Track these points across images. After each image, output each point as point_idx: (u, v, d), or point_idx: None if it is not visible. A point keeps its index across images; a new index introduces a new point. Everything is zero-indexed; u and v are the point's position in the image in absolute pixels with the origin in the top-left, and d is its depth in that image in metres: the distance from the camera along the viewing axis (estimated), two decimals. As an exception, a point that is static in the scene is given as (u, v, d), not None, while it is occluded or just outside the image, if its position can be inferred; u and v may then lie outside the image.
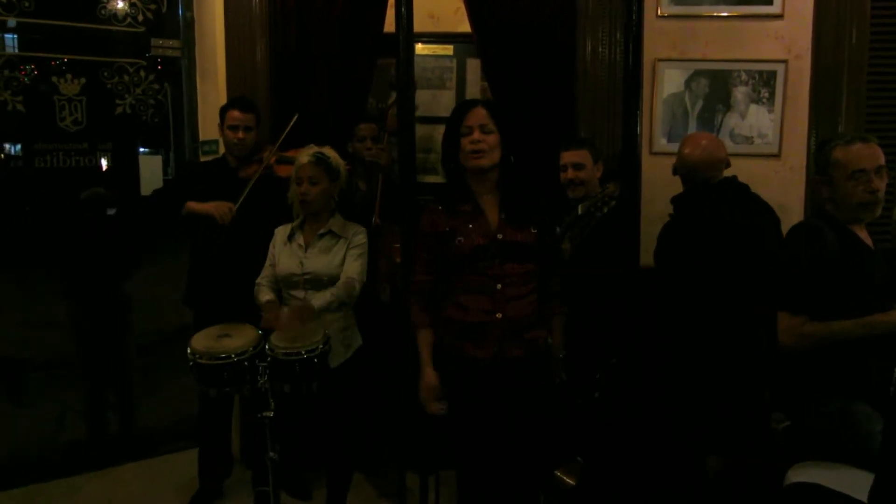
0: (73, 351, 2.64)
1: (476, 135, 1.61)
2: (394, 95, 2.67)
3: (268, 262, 2.06)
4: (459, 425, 1.68)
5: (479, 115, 1.62)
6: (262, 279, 2.05)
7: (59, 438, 2.60)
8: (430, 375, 1.67)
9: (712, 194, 2.16)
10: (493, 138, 1.62)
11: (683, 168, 2.25)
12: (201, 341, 1.85)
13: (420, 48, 3.09)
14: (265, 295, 1.99)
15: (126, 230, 2.63)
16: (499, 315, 1.61)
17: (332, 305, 1.90)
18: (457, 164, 1.67)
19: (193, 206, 2.20)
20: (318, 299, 1.89)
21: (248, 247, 2.15)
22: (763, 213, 2.15)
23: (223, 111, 2.30)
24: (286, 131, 2.29)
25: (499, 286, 1.61)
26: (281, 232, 2.06)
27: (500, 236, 1.63)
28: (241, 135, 2.24)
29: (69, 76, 2.52)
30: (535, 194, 1.73)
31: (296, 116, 2.31)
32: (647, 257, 2.44)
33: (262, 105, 2.51)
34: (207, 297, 2.25)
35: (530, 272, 1.66)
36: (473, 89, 3.11)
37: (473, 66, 3.07)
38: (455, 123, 1.65)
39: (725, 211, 2.09)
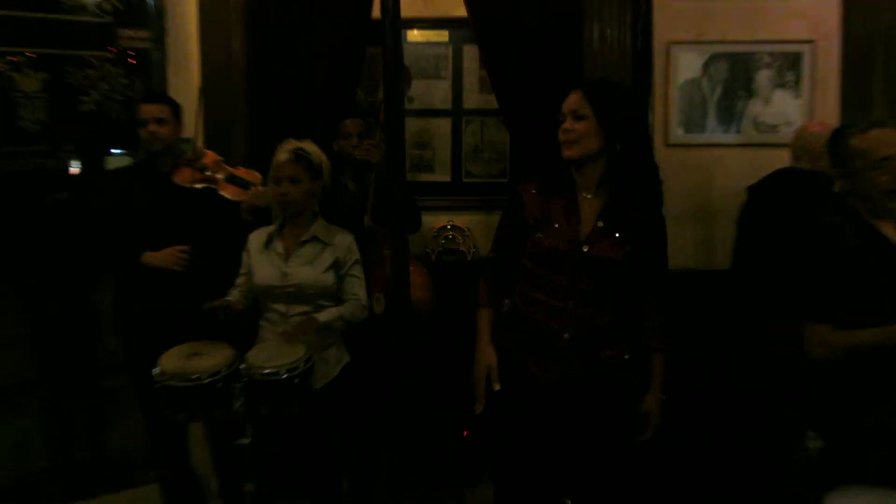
0: (36, 371, 2.57)
1: (567, 122, 1.50)
2: None
3: (241, 271, 1.98)
4: (510, 455, 1.59)
5: (572, 101, 1.51)
6: (235, 290, 1.98)
7: (21, 468, 2.51)
8: (486, 352, 1.60)
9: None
10: (584, 126, 1.48)
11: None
12: (171, 361, 1.77)
13: (413, 35, 3.04)
14: (232, 294, 1.93)
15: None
16: (567, 336, 1.50)
17: (337, 324, 1.88)
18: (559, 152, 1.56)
19: (149, 258, 2.07)
20: (325, 314, 1.86)
21: (195, 263, 2.06)
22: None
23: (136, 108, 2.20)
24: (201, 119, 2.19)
25: (570, 304, 1.50)
26: (256, 238, 1.99)
27: (586, 248, 1.49)
28: (151, 128, 2.12)
29: (29, 71, 2.46)
30: (643, 204, 1.53)
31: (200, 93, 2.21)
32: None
33: (240, 99, 2.47)
34: (143, 323, 2.14)
35: (612, 290, 1.52)
36: (471, 78, 3.06)
37: (471, 53, 3.01)
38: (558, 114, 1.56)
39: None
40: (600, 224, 1.50)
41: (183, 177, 2.15)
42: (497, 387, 1.56)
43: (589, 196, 1.53)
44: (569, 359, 1.51)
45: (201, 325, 1.87)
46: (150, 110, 2.13)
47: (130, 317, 2.19)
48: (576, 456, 1.55)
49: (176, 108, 2.19)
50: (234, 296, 1.92)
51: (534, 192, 1.57)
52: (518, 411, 1.56)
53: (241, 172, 2.16)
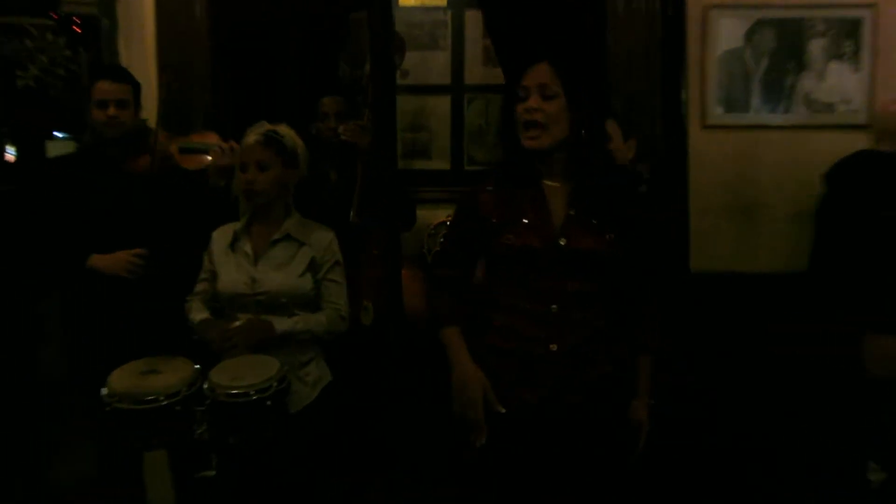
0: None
1: (533, 100, 1.46)
2: None
3: (202, 276, 1.99)
4: (498, 488, 1.59)
5: (541, 74, 1.47)
6: (195, 296, 1.99)
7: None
8: (472, 372, 1.53)
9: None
10: (555, 106, 1.46)
11: None
12: (122, 379, 1.77)
13: (406, -2, 3.06)
14: (198, 313, 1.94)
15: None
16: (553, 346, 1.50)
17: (302, 336, 1.86)
18: (516, 140, 1.55)
19: (97, 262, 2.10)
20: (285, 322, 1.85)
21: (152, 267, 2.09)
22: None
23: (90, 85, 2.20)
24: (162, 99, 2.21)
25: (554, 307, 1.51)
26: (220, 236, 1.98)
27: (563, 241, 1.50)
28: (111, 111, 2.12)
29: (-46, 42, 2.51)
30: (623, 185, 1.61)
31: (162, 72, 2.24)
32: (698, 261, 2.40)
33: (202, 75, 2.48)
34: (94, 336, 2.16)
35: (600, 290, 1.54)
36: (474, 50, 3.08)
37: (473, 19, 3.04)
38: (512, 84, 1.52)
39: None
40: (572, 212, 1.51)
41: (137, 165, 2.16)
42: (501, 409, 1.54)
43: (555, 184, 1.54)
44: (558, 374, 1.51)
45: (158, 337, 1.89)
46: (109, 90, 2.13)
47: (80, 328, 2.20)
48: (567, 479, 1.56)
49: (137, 88, 2.21)
50: (204, 312, 1.93)
51: (490, 189, 1.57)
52: (502, 439, 1.55)
53: (195, 138, 2.19)
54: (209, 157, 2.13)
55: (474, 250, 1.60)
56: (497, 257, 1.55)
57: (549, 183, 1.54)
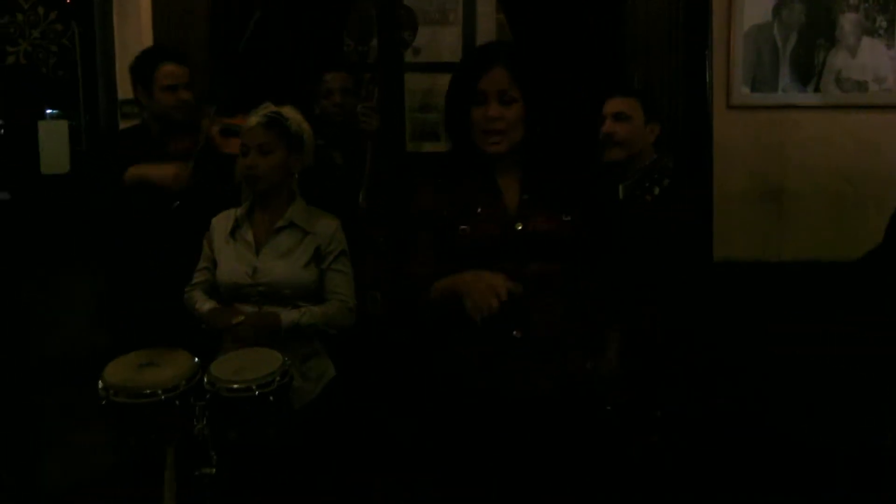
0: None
1: (493, 108, 1.49)
2: None
3: (202, 264, 1.97)
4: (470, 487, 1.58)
5: (499, 79, 1.50)
6: (195, 286, 1.96)
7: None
8: (474, 272, 1.47)
9: None
10: (514, 111, 1.51)
11: None
12: (118, 372, 1.73)
13: (414, -30, 3.01)
14: (204, 302, 1.91)
15: (22, 223, 2.54)
16: (517, 333, 1.52)
17: (308, 330, 1.84)
18: (465, 133, 1.56)
19: (142, 170, 2.15)
20: (291, 313, 1.82)
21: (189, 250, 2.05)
22: None
23: (146, 66, 2.25)
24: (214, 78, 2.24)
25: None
26: (220, 223, 1.97)
27: (519, 226, 1.53)
28: (182, 95, 2.22)
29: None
30: (573, 167, 1.62)
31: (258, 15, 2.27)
32: (723, 249, 2.34)
33: (200, 52, 2.44)
34: (138, 312, 2.17)
35: (563, 273, 1.56)
36: (487, 25, 3.01)
37: (486, -9, 2.99)
38: (464, 84, 1.53)
39: None
40: (525, 197, 1.55)
41: (179, 145, 2.22)
42: (517, 288, 1.45)
43: (508, 171, 1.57)
44: (523, 364, 1.52)
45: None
46: (176, 73, 2.21)
47: (130, 316, 2.21)
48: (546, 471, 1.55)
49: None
50: (209, 301, 1.91)
51: (439, 182, 1.60)
52: (468, 436, 1.56)
53: (238, 120, 2.17)
54: None
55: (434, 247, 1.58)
56: (454, 250, 1.55)
57: (501, 169, 1.58)
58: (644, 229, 1.97)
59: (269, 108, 1.91)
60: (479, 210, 1.54)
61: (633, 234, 1.95)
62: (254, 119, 1.89)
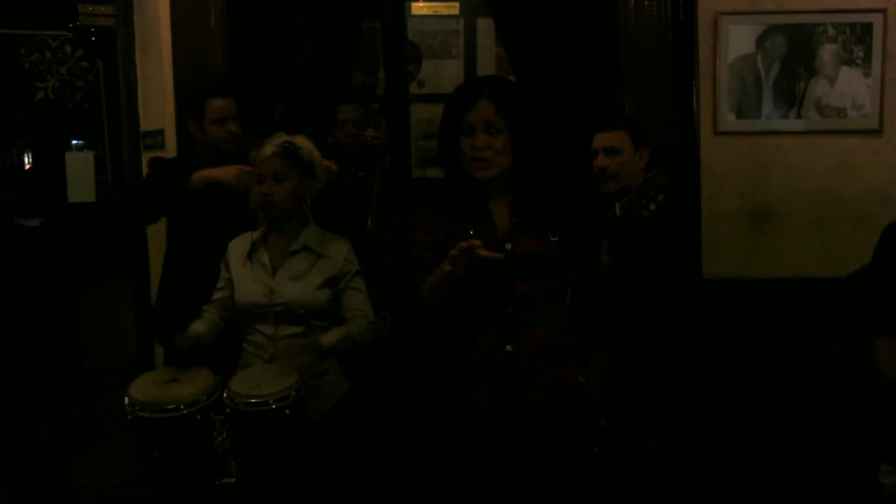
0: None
1: (480, 138, 1.56)
2: None
3: (219, 284, 2.01)
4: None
5: (484, 112, 1.56)
6: (211, 304, 1.99)
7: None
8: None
9: None
10: (501, 141, 1.56)
11: None
12: (142, 389, 1.80)
13: (419, 7, 3.07)
14: (198, 324, 1.92)
15: (53, 245, 2.62)
16: (509, 347, 1.56)
17: (343, 346, 1.86)
18: (456, 161, 1.63)
19: (207, 173, 2.17)
20: (330, 335, 1.84)
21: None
22: None
23: (197, 102, 2.30)
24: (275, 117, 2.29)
25: (509, 310, 1.57)
26: (237, 247, 2.01)
27: (509, 246, 1.58)
28: (232, 127, 2.27)
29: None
30: (559, 191, 1.68)
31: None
32: (711, 267, 2.40)
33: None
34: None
35: (552, 291, 1.62)
36: (486, 58, 3.09)
37: (486, 27, 3.05)
38: (454, 116, 1.60)
39: None
40: (515, 219, 1.60)
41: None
42: (480, 248, 1.47)
43: (496, 196, 1.63)
44: (514, 377, 1.55)
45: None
46: (224, 107, 2.26)
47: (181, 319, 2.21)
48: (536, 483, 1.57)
49: None
50: (202, 324, 1.92)
51: (435, 209, 1.66)
52: (463, 447, 1.58)
53: None
54: None
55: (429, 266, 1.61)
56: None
57: (491, 194, 1.63)
58: (643, 244, 2.01)
59: (282, 137, 1.95)
60: (471, 232, 1.57)
61: (633, 249, 2.02)
62: (269, 149, 1.92)
